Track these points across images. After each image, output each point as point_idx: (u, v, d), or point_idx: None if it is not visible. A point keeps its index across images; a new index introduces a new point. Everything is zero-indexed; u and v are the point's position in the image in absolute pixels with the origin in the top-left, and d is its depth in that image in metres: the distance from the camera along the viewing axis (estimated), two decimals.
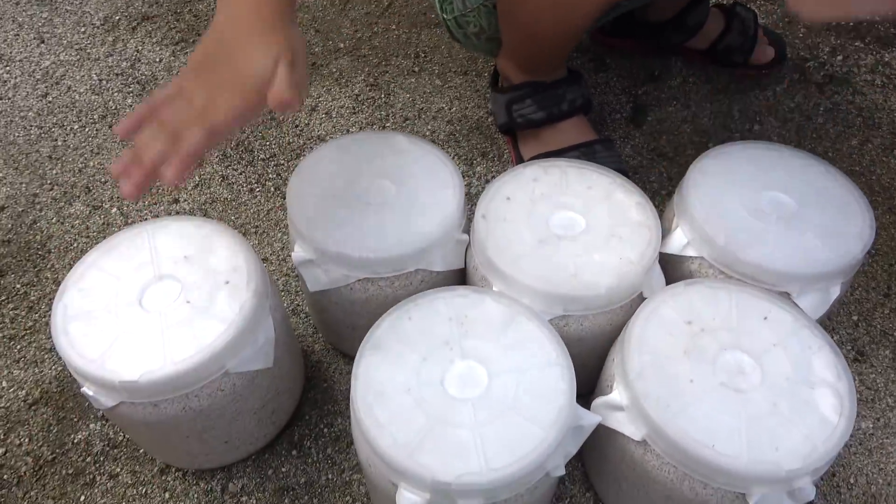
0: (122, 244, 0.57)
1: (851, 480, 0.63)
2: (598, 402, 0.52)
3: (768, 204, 0.59)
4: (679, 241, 0.59)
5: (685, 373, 0.49)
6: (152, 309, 0.53)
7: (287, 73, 0.46)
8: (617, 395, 0.51)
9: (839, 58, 1.02)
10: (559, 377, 0.49)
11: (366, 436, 0.47)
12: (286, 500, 0.62)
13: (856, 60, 1.02)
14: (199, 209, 0.84)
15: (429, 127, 0.94)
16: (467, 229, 0.62)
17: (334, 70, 1.02)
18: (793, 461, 0.45)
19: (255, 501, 0.62)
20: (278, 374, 0.59)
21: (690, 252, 0.59)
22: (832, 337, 0.73)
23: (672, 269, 0.60)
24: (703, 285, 0.54)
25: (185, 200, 0.85)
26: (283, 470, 0.64)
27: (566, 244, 0.57)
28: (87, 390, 0.52)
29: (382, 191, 0.61)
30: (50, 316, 0.60)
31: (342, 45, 1.06)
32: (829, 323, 0.74)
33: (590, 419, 0.50)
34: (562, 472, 0.48)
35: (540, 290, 0.54)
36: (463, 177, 0.64)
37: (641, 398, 0.48)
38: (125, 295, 0.54)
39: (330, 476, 0.64)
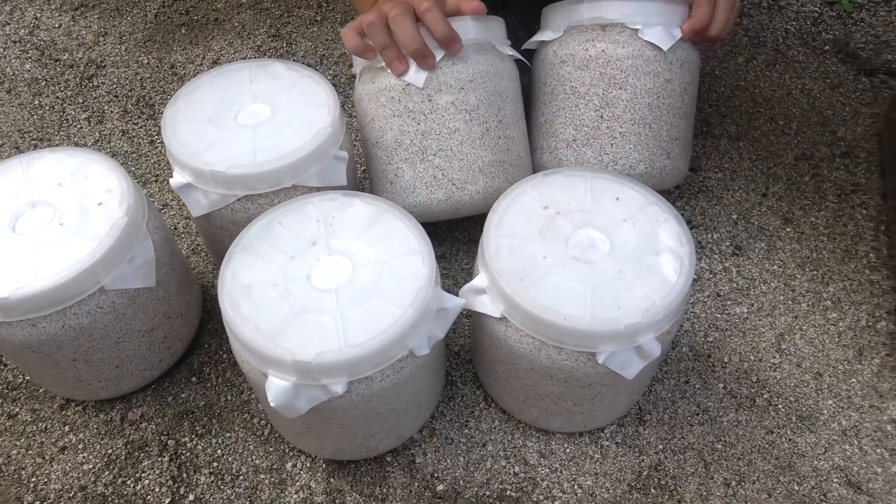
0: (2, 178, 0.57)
1: (725, 359, 0.67)
2: (464, 288, 0.54)
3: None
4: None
5: (539, 250, 0.52)
6: (24, 232, 0.54)
7: None
8: (479, 279, 0.53)
9: None
10: (420, 263, 0.51)
11: (232, 329, 0.49)
12: (186, 423, 0.64)
13: None
14: None
15: (331, 72, 0.95)
16: (346, 147, 0.64)
17: (237, 24, 1.02)
18: (631, 316, 0.48)
19: (154, 426, 0.64)
20: (164, 296, 0.60)
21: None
22: (712, 235, 0.76)
23: None
24: (560, 174, 0.57)
25: None
26: (183, 396, 0.65)
27: None
28: None
29: (257, 113, 0.62)
30: None
31: (244, 0, 1.06)
32: (710, 223, 0.77)
33: (453, 302, 0.52)
34: (425, 351, 0.50)
35: None
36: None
37: (497, 276, 0.51)
38: (4, 224, 0.54)
39: (229, 398, 0.65)
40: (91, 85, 0.94)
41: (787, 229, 0.77)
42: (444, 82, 0.64)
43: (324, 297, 0.50)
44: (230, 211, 0.61)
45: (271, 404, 0.48)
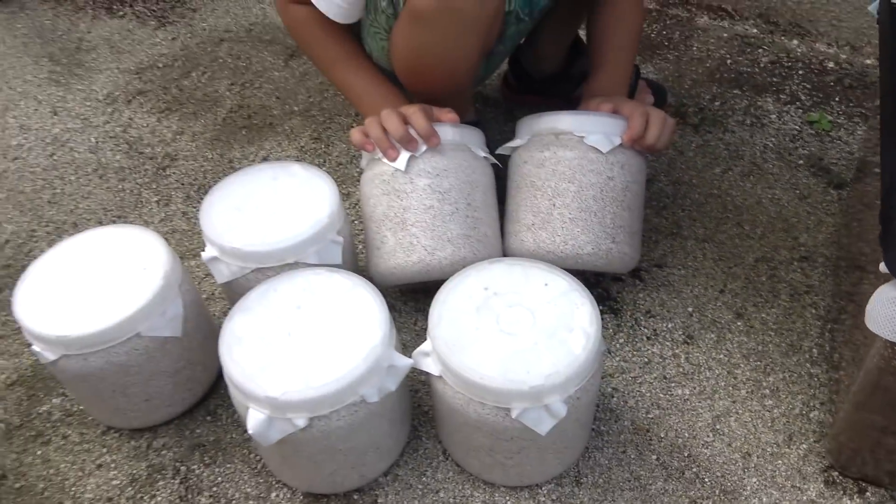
0: (73, 248, 0.75)
1: (662, 434, 0.75)
2: (415, 351, 0.66)
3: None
4: None
5: (473, 323, 0.64)
6: (87, 286, 0.71)
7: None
8: (426, 344, 0.65)
9: (717, 103, 1.19)
10: (377, 327, 0.64)
11: (226, 370, 0.62)
12: (197, 454, 0.77)
13: (731, 105, 1.18)
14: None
15: (358, 169, 1.13)
16: (344, 233, 0.79)
17: (287, 128, 1.23)
18: (536, 379, 0.58)
19: (172, 454, 0.77)
20: (188, 345, 0.75)
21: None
22: (667, 324, 0.86)
23: None
24: (503, 262, 0.69)
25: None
26: (198, 431, 0.79)
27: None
28: (35, 347, 0.69)
29: (272, 203, 0.79)
30: None
31: (296, 108, 1.27)
32: (668, 313, 0.87)
33: (402, 361, 0.64)
34: (374, 398, 0.62)
35: None
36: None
37: (436, 342, 0.63)
38: (72, 278, 0.71)
39: (234, 435, 0.78)
40: (164, 174, 1.15)
41: (738, 323, 0.85)
42: (423, 169, 0.79)
43: (297, 348, 0.63)
44: (245, 280, 0.76)
45: (249, 431, 0.61)
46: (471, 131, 0.83)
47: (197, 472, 0.75)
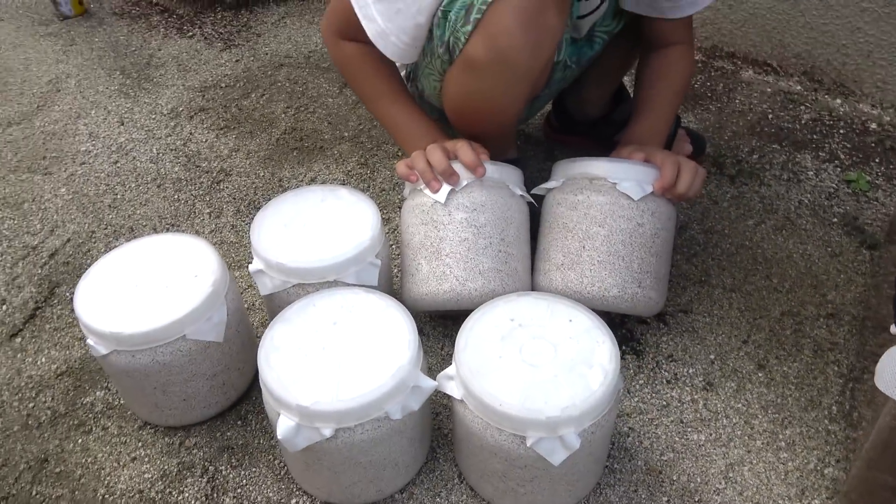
0: (132, 252, 0.81)
1: (675, 478, 0.76)
2: (440, 374, 0.70)
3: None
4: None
5: (497, 351, 0.67)
6: (143, 288, 0.76)
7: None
8: (451, 368, 0.69)
9: (755, 156, 1.21)
10: (406, 348, 0.67)
11: (262, 376, 0.66)
12: (225, 455, 0.81)
13: (770, 159, 1.20)
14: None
15: (399, 196, 1.17)
16: (382, 256, 0.84)
17: (336, 152, 1.28)
18: (553, 410, 0.61)
19: (202, 454, 0.81)
20: (228, 351, 0.80)
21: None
22: (688, 370, 0.87)
23: None
24: (530, 296, 0.72)
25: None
26: (229, 434, 0.83)
27: None
28: (90, 341, 0.74)
29: (319, 224, 0.83)
30: None
31: (346, 134, 1.33)
32: (689, 359, 0.88)
33: (427, 382, 0.68)
34: (398, 416, 0.66)
35: None
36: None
37: (461, 367, 0.66)
38: (128, 279, 0.77)
39: (261, 441, 0.82)
40: (218, 188, 1.22)
41: (759, 374, 0.86)
42: (462, 203, 0.83)
43: (330, 361, 0.67)
44: (286, 294, 0.81)
45: (278, 437, 0.65)
46: (509, 170, 0.87)
47: (224, 472, 0.79)
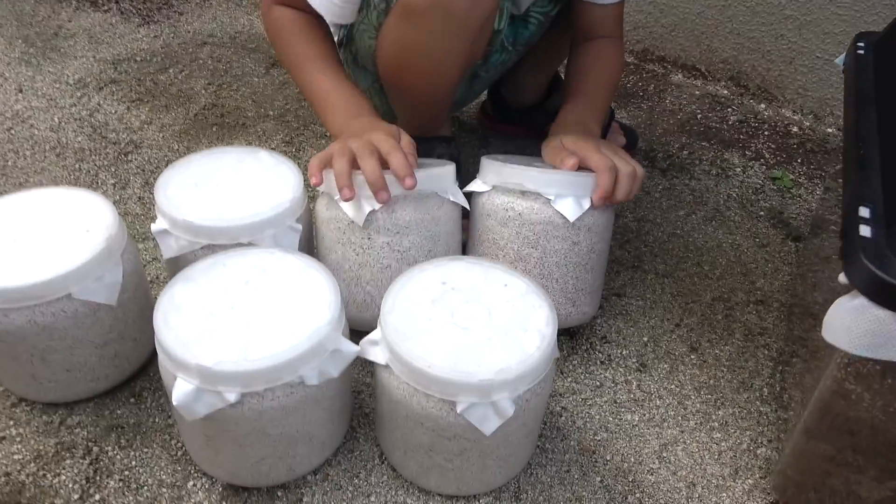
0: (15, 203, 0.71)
1: (608, 458, 0.73)
2: (364, 339, 0.63)
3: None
4: None
5: (427, 314, 0.62)
6: (26, 240, 0.66)
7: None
8: (375, 332, 0.63)
9: (685, 152, 1.21)
10: (325, 308, 0.61)
11: (157, 335, 0.58)
12: (113, 435, 0.72)
13: (699, 155, 1.21)
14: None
15: None
16: (304, 222, 0.77)
17: (259, 130, 1.21)
18: (486, 373, 0.56)
19: (86, 433, 0.71)
20: (122, 317, 0.71)
21: None
22: (622, 351, 0.84)
23: None
24: (463, 261, 0.68)
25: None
26: (119, 412, 0.74)
27: None
28: None
29: (233, 182, 0.76)
30: None
31: (271, 113, 1.26)
32: (623, 341, 0.86)
33: (349, 347, 0.61)
34: (314, 381, 0.59)
35: None
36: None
37: (386, 330, 0.60)
38: (8, 232, 0.67)
39: (157, 420, 0.73)
40: (125, 160, 1.12)
41: (692, 356, 0.85)
42: (382, 225, 0.73)
43: (238, 321, 0.60)
44: (193, 257, 0.73)
45: (174, 403, 0.57)
46: (441, 175, 0.76)
47: (110, 454, 0.70)
